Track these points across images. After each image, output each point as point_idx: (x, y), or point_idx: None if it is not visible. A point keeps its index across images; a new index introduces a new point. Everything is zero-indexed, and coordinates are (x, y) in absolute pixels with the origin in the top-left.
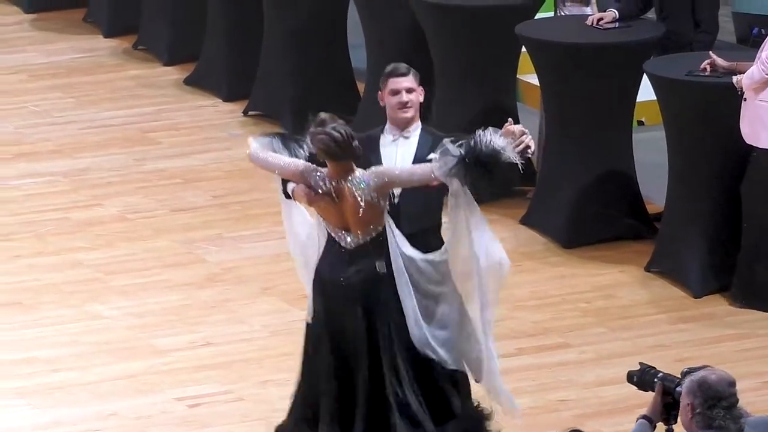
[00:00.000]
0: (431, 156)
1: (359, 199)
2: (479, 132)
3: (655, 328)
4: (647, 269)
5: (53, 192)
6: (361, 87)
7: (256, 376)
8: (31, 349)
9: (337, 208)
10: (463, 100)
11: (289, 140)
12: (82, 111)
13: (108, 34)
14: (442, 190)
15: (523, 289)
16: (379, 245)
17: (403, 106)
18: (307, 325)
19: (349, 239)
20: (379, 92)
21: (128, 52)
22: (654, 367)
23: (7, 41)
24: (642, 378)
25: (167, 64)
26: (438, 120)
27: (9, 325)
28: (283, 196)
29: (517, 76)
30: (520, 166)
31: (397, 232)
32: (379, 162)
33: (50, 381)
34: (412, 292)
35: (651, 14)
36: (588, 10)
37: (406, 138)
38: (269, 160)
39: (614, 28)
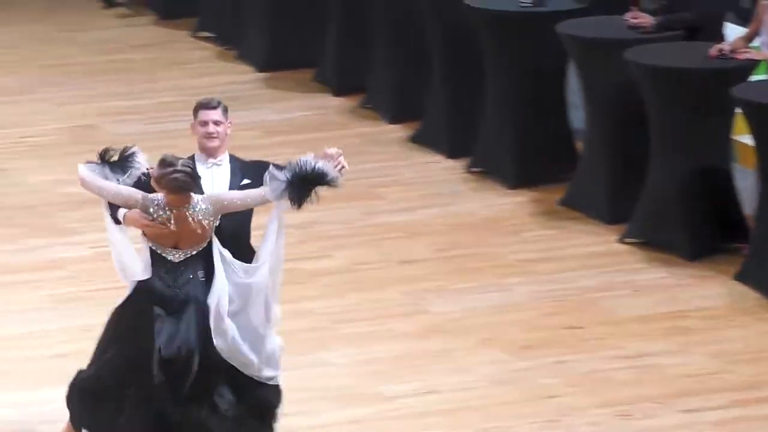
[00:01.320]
0: (245, 181)
1: (201, 223)
2: (300, 157)
3: None
4: None
5: (286, 243)
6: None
7: (477, 423)
8: None
9: (172, 232)
10: (678, 162)
11: (116, 169)
12: None
13: (336, 93)
14: (251, 212)
15: (737, 343)
16: (201, 257)
17: (209, 136)
18: (123, 316)
19: (176, 254)
20: (192, 123)
21: (355, 111)
22: None
23: (242, 99)
24: None
25: (393, 122)
26: (653, 180)
27: None
28: (111, 220)
29: (733, 136)
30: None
31: (219, 245)
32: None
33: (278, 426)
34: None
35: None
36: None
37: (219, 165)
38: (104, 186)
39: None
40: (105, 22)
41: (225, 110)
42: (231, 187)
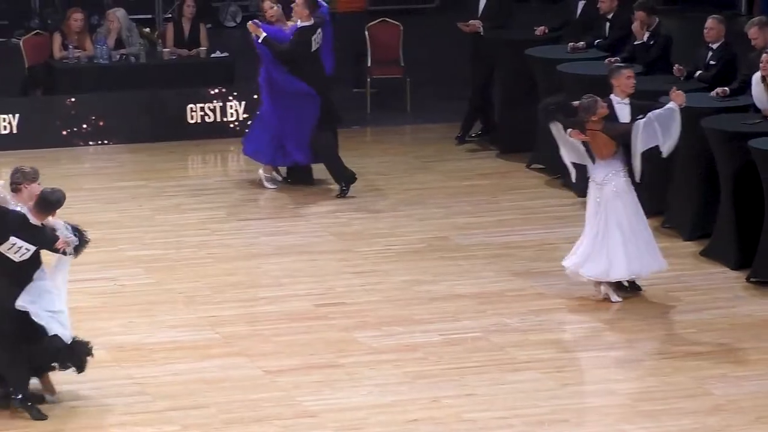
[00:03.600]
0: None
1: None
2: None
3: None
4: None
5: (595, 336)
6: None
7: None
8: None
9: None
10: None
11: None
12: None
13: None
14: None
15: None
16: None
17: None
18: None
19: None
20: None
21: (658, 230)
22: None
23: (566, 218)
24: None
25: (687, 239)
26: None
27: None
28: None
29: None
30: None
31: None
32: None
33: None
34: None
35: None
36: None
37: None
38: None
39: None
40: (457, 155)
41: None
42: None
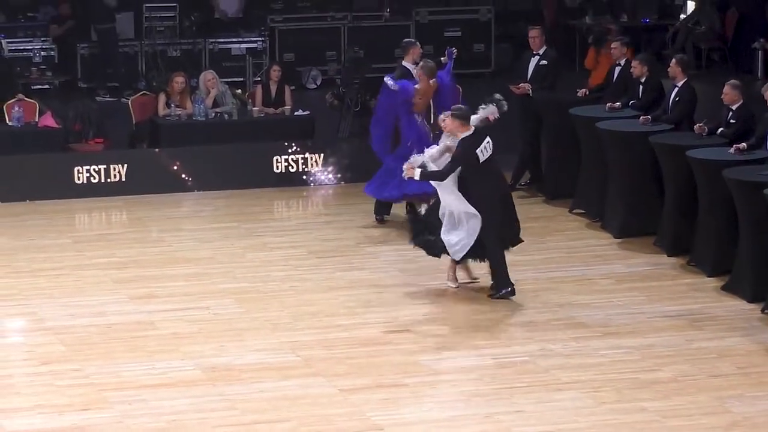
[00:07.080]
0: None
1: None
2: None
3: None
4: None
5: (629, 360)
6: None
7: None
8: None
9: None
10: None
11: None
12: (651, 306)
13: (670, 254)
14: None
15: None
16: None
17: None
18: None
19: None
20: None
21: (684, 267)
22: None
23: (602, 256)
24: None
25: (711, 275)
26: None
27: None
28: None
29: None
30: None
31: None
32: None
33: None
34: None
35: None
36: None
37: None
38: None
39: None
40: None
41: None
42: None
